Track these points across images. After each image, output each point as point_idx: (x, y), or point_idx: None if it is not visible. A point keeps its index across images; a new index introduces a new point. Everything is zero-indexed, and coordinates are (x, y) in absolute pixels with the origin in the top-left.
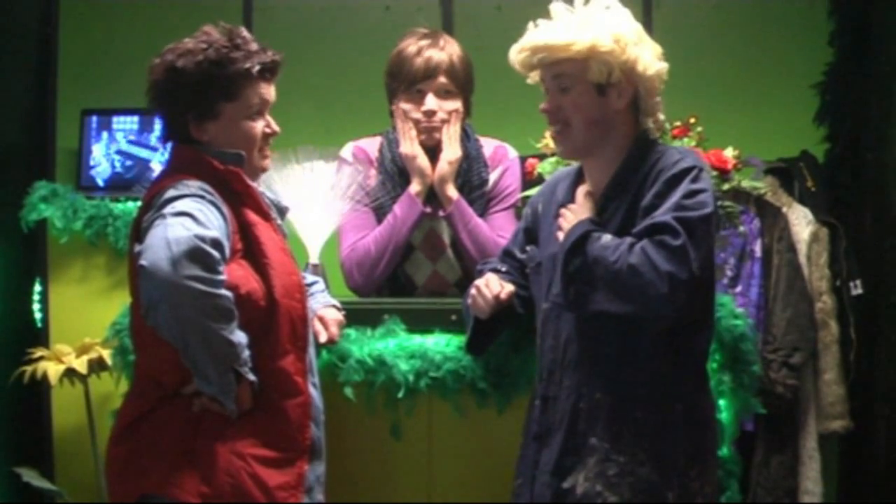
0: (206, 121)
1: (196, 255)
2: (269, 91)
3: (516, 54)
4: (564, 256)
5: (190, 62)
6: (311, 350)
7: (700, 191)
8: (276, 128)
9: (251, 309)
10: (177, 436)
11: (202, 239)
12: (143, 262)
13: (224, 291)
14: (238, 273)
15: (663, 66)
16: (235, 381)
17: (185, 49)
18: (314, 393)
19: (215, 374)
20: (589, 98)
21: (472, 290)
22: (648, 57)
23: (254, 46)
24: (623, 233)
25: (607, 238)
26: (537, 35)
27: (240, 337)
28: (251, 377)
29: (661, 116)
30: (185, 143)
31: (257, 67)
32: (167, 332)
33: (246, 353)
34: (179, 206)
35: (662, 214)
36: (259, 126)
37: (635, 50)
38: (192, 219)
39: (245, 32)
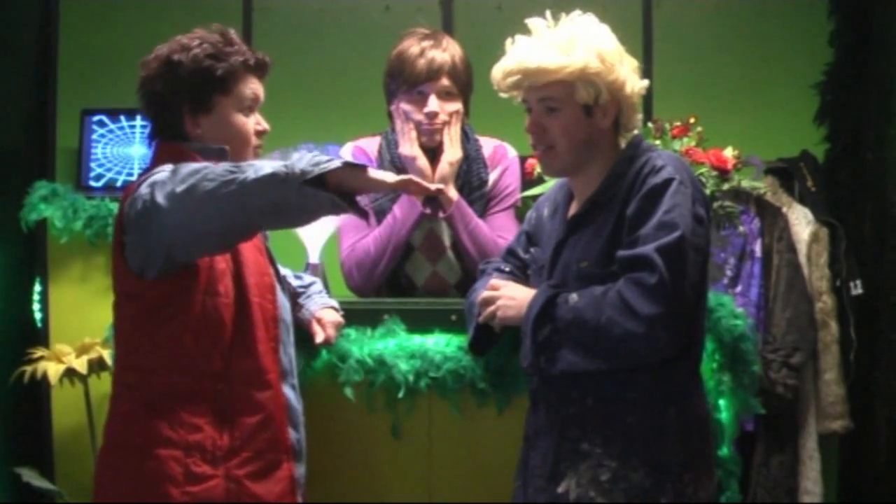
0: (200, 114)
1: (192, 169)
2: (260, 88)
3: (503, 77)
4: (532, 325)
5: (186, 55)
6: (291, 350)
7: (677, 206)
8: (266, 126)
9: (224, 307)
10: (166, 460)
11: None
12: (157, 198)
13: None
14: (220, 266)
15: (644, 83)
16: (318, 184)
17: (180, 45)
18: (291, 394)
19: (295, 196)
20: (576, 120)
21: (499, 300)
22: (631, 75)
23: (245, 46)
24: (615, 239)
25: (574, 297)
26: (524, 57)
27: (265, 166)
28: (335, 164)
29: (637, 131)
30: (172, 141)
31: (252, 60)
32: (213, 233)
33: (311, 156)
34: (155, 173)
35: (642, 243)
36: (251, 122)
37: (622, 70)
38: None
39: (235, 34)
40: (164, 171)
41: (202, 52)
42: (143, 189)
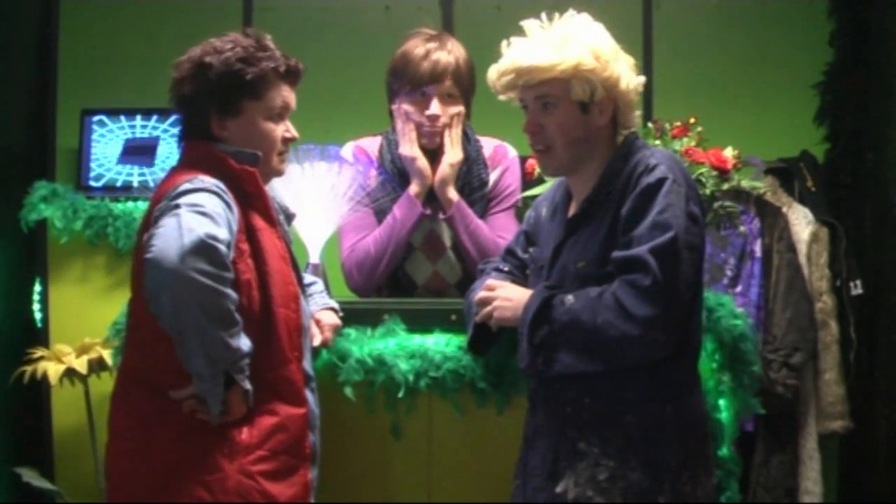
0: (228, 118)
1: (206, 249)
2: (291, 96)
3: (498, 77)
4: (529, 327)
5: (217, 59)
6: (309, 355)
7: (671, 205)
8: (295, 133)
9: (246, 318)
10: (181, 450)
11: (214, 237)
12: (151, 249)
13: (230, 292)
14: (245, 277)
15: (640, 80)
16: (225, 385)
17: (213, 47)
18: (311, 399)
19: (207, 373)
20: (573, 117)
21: (496, 301)
22: (627, 72)
23: (279, 52)
24: (611, 239)
25: (570, 299)
26: (518, 56)
27: (240, 342)
28: (247, 386)
29: (635, 129)
30: (204, 142)
31: (283, 67)
32: (167, 322)
33: (245, 361)
34: (195, 199)
35: (636, 244)
36: (279, 129)
37: (616, 66)
38: (208, 217)
39: (270, 39)
40: (201, 204)
41: (233, 55)
42: (173, 220)
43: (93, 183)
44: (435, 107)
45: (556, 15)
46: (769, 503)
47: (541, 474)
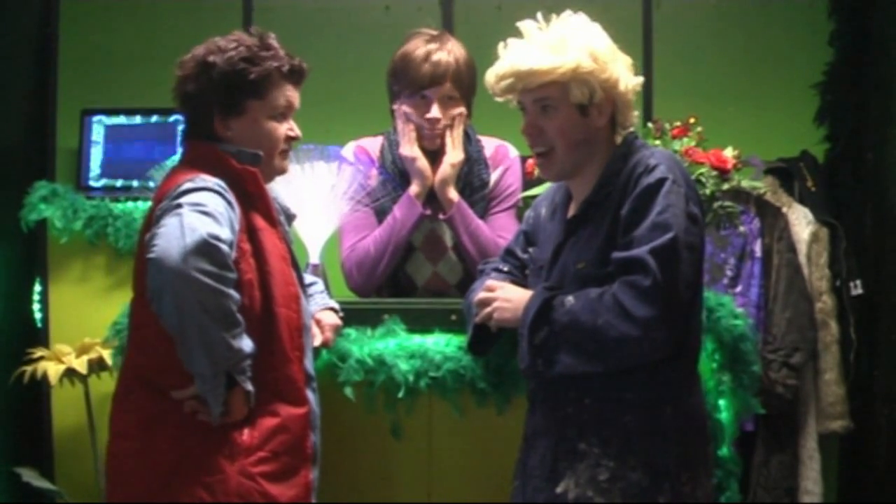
0: (231, 117)
1: (208, 249)
2: (295, 95)
3: (496, 81)
4: (529, 328)
5: (221, 58)
6: (310, 354)
7: (671, 206)
8: (298, 132)
9: (248, 318)
10: (182, 451)
11: (216, 237)
12: (153, 249)
13: (232, 292)
14: (247, 277)
15: (639, 80)
16: (227, 386)
17: (217, 46)
18: (312, 398)
19: (209, 374)
20: (572, 119)
21: (496, 302)
22: (625, 72)
23: (283, 51)
24: (611, 240)
25: (570, 300)
26: (516, 59)
27: (242, 343)
28: (248, 387)
29: (633, 129)
30: (205, 141)
31: (286, 67)
32: (169, 322)
33: (247, 362)
34: (196, 198)
35: (637, 245)
36: (283, 128)
37: (615, 67)
38: (210, 216)
39: (275, 39)
40: (203, 203)
41: (237, 55)
42: (175, 219)
43: (93, 183)
44: (435, 111)
45: (553, 16)
46: (769, 503)
47: (540, 475)
